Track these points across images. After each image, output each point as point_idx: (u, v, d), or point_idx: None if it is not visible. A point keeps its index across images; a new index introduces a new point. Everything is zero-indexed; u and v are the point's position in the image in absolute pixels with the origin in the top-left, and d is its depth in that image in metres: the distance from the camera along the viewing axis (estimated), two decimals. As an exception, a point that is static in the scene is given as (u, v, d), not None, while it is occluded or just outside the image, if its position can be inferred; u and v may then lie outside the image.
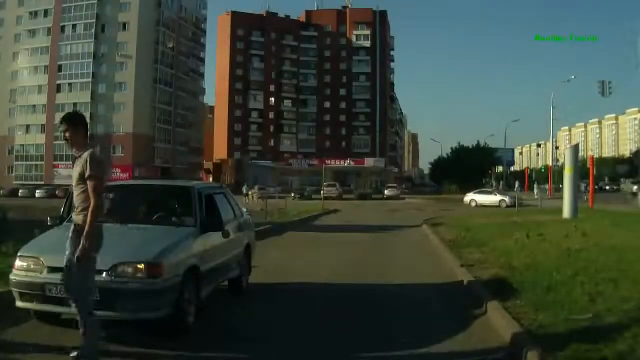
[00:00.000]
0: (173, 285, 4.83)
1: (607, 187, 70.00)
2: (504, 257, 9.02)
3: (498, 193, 38.36)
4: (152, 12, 71.23)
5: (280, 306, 6.54)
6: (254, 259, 7.83)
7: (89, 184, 4.08)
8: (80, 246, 4.02)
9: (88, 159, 4.10)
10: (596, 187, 46.73)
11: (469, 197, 38.53)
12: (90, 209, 4.05)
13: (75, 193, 4.22)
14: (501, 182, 63.58)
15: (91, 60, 69.11)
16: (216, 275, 6.06)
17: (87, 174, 4.08)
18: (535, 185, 49.82)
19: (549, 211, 22.35)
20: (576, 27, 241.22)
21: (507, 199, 35.27)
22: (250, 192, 42.91)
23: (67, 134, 4.18)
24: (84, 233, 4.03)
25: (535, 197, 35.52)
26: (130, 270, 4.65)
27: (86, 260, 4.04)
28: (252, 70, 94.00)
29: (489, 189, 42.29)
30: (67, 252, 4.22)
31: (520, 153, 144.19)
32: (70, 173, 3.79)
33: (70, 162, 4.40)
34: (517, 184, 42.39)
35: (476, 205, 34.77)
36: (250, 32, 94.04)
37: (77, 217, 4.20)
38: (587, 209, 21.32)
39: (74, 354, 4.08)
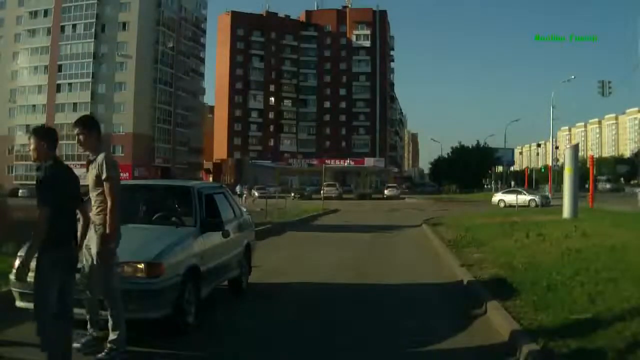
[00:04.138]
0: (173, 285, 4.84)
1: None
2: (504, 257, 9.02)
3: (527, 193, 37.24)
4: (152, 12, 71.27)
5: (281, 306, 6.54)
6: (254, 259, 7.83)
7: (106, 185, 4.21)
8: (102, 246, 4.16)
9: (104, 162, 4.23)
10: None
11: (498, 197, 37.33)
12: (109, 209, 4.18)
13: (92, 195, 4.34)
14: (500, 182, 63.47)
15: (91, 60, 69.17)
16: (216, 275, 6.06)
17: (104, 176, 4.20)
18: (544, 187, 48.94)
19: (549, 211, 22.36)
20: (576, 27, 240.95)
21: (537, 198, 34.65)
22: (245, 194, 37.44)
23: (80, 137, 4.28)
24: (107, 233, 4.16)
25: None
26: (130, 270, 4.66)
27: (108, 258, 4.18)
28: (252, 70, 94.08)
29: (518, 189, 41.28)
30: (85, 253, 4.33)
31: (520, 153, 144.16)
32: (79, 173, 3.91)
33: (73, 163, 4.46)
34: (512, 184, 41.95)
35: (505, 206, 33.38)
36: (250, 32, 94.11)
37: (95, 218, 4.30)
38: (587, 209, 21.29)
39: (102, 354, 4.19)
